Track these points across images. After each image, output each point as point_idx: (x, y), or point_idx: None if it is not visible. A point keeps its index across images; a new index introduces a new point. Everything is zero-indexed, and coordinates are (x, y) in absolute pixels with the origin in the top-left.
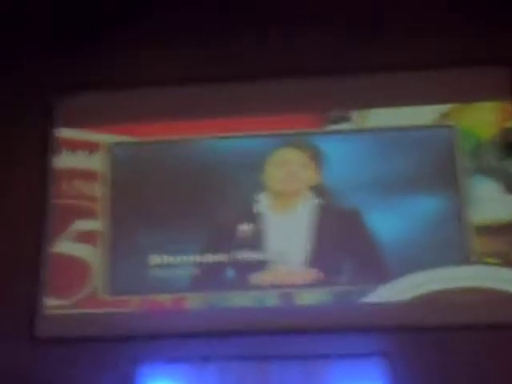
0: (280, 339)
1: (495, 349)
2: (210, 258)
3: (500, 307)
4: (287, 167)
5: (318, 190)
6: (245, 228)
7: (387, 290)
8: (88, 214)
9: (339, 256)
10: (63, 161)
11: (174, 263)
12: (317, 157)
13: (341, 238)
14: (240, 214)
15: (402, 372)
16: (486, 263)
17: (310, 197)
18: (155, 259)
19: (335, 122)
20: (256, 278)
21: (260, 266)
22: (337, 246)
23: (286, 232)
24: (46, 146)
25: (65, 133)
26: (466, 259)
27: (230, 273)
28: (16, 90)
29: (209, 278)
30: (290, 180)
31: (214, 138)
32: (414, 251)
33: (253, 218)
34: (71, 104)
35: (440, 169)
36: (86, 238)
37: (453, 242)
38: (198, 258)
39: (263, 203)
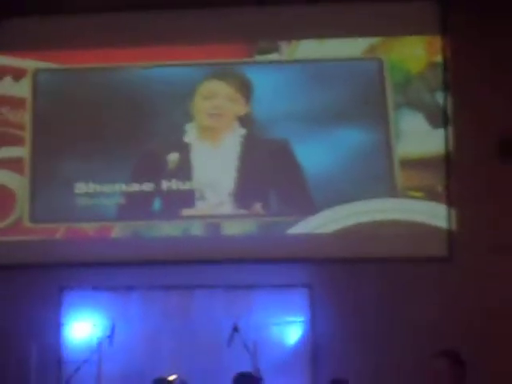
0: (204, 269)
1: (416, 281)
2: (137, 187)
3: (423, 240)
4: (213, 101)
5: (246, 120)
6: (173, 157)
7: (312, 221)
8: (14, 141)
9: (266, 187)
10: None
11: (101, 192)
12: (244, 87)
13: (268, 170)
14: (169, 144)
15: (323, 303)
16: (411, 196)
17: (237, 128)
18: (81, 187)
19: (264, 52)
20: (183, 208)
21: (187, 196)
22: (264, 177)
23: (214, 163)
24: None
25: None
26: (391, 192)
27: (157, 203)
28: None
29: (136, 207)
30: (217, 114)
31: (143, 67)
32: (340, 184)
33: (181, 147)
34: None
35: (368, 102)
36: (12, 165)
37: (378, 175)
38: (125, 188)
39: (191, 134)
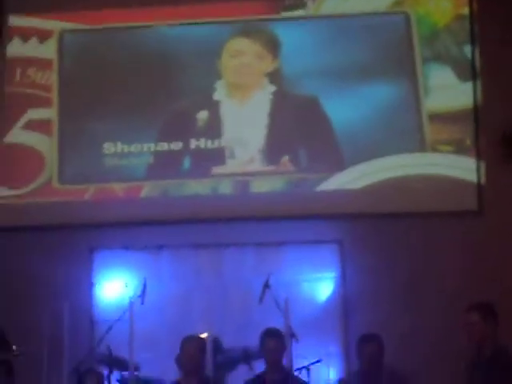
0: (234, 226)
1: (446, 235)
2: (166, 146)
3: (452, 195)
4: (241, 58)
5: (274, 76)
6: (203, 115)
7: (341, 177)
8: (41, 102)
9: (295, 143)
10: (15, 49)
11: (129, 152)
12: (271, 44)
13: (297, 126)
14: (198, 102)
15: (354, 259)
16: (440, 151)
17: (266, 84)
18: (110, 148)
19: (290, 8)
20: (212, 167)
21: (217, 154)
22: (293, 133)
23: (243, 120)
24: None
25: (16, 21)
26: (420, 147)
27: (187, 162)
28: None
29: (165, 166)
30: (245, 72)
31: (169, 25)
32: (369, 139)
33: (211, 105)
34: None
35: (395, 56)
36: (39, 127)
37: (407, 129)
38: (154, 147)
39: (221, 91)
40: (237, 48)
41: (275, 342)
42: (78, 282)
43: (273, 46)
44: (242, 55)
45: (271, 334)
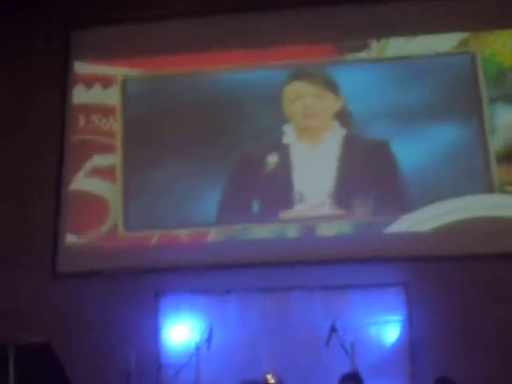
0: (301, 270)
1: None
2: (235, 191)
3: None
4: (302, 101)
5: (344, 118)
6: (273, 159)
7: (408, 220)
8: (105, 149)
9: (365, 188)
10: (79, 96)
11: (196, 197)
12: (329, 84)
13: (368, 170)
14: (267, 146)
15: (420, 301)
16: (508, 192)
17: (336, 127)
18: (175, 193)
19: (352, 50)
20: (281, 211)
21: (286, 198)
22: (363, 177)
23: (314, 164)
24: (64, 81)
25: (80, 67)
26: (487, 188)
27: (256, 206)
28: (33, 22)
29: (234, 211)
30: (311, 113)
31: (228, 71)
32: (436, 181)
33: (280, 149)
34: (87, 38)
35: (461, 97)
36: (104, 173)
37: (474, 170)
38: (222, 193)
39: (290, 135)
40: (295, 92)
41: None
42: (145, 326)
43: (331, 86)
44: (301, 98)
45: (349, 378)
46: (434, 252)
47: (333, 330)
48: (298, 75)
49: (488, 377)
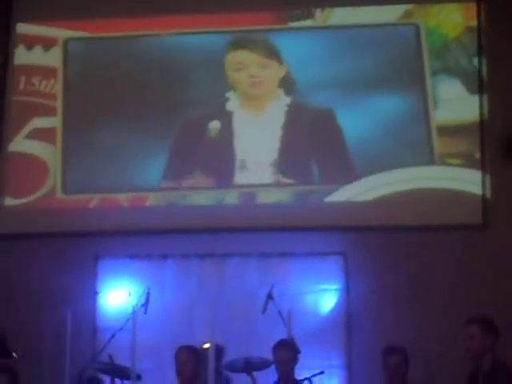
0: (239, 237)
1: (452, 249)
2: (177, 158)
3: (460, 208)
4: (246, 71)
5: (287, 82)
6: (215, 126)
7: (350, 190)
8: (45, 111)
9: (308, 157)
10: (20, 57)
11: (137, 162)
12: (274, 53)
13: (312, 139)
14: (211, 111)
15: (358, 271)
16: (449, 164)
17: (281, 95)
18: (116, 157)
19: (297, 18)
20: (222, 178)
21: (228, 166)
22: (307, 146)
23: (257, 132)
24: (6, 41)
25: (22, 28)
26: (428, 160)
27: (197, 174)
28: None
29: (175, 178)
30: (256, 82)
31: (172, 35)
32: (378, 151)
33: (224, 116)
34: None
35: (405, 68)
36: (44, 135)
37: (416, 142)
38: (163, 158)
39: (234, 102)
40: (238, 61)
41: (287, 354)
42: (82, 289)
43: (273, 53)
44: (246, 68)
45: (284, 346)
46: (373, 222)
47: (269, 297)
48: (241, 43)
49: (422, 346)
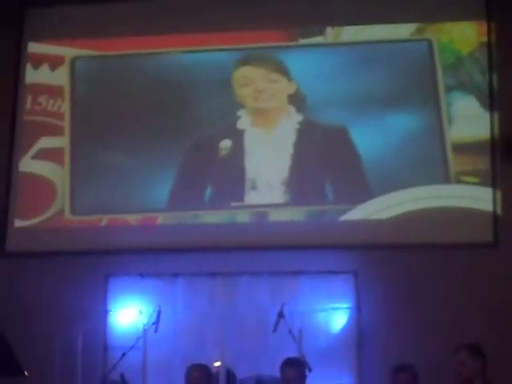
0: (250, 255)
1: (470, 268)
2: (187, 176)
3: (476, 226)
4: (253, 85)
5: (297, 98)
6: (226, 145)
7: (363, 209)
8: (53, 131)
9: (321, 176)
10: (28, 76)
11: (147, 182)
12: (282, 69)
13: (324, 157)
14: (222, 130)
15: (369, 290)
16: (464, 182)
17: (292, 112)
18: (125, 177)
19: (306, 36)
20: (233, 199)
21: (238, 186)
22: (319, 164)
23: (268, 150)
24: (17, 60)
25: (31, 47)
26: (444, 178)
27: (208, 193)
28: None
29: (186, 198)
30: (265, 97)
31: (180, 52)
32: (392, 170)
33: (235, 134)
34: (38, 17)
35: (418, 84)
36: (51, 155)
37: (431, 160)
38: (174, 177)
39: (245, 120)
40: (244, 76)
41: (295, 372)
42: (93, 308)
43: (281, 69)
44: (252, 82)
45: (291, 364)
46: (386, 241)
47: (280, 315)
48: (248, 59)
49: (438, 364)
